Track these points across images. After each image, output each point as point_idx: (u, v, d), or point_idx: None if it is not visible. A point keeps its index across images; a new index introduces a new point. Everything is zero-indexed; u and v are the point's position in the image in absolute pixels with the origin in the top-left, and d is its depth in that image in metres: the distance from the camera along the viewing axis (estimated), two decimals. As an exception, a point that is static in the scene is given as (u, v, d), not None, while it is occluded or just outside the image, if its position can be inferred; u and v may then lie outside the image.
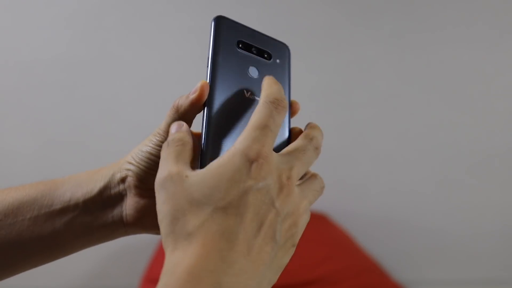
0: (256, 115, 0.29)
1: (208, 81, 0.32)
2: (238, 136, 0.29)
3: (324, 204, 1.25)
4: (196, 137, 0.34)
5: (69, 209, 0.36)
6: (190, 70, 1.24)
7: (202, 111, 0.32)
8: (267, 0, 1.28)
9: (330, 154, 1.26)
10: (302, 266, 0.99)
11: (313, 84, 1.26)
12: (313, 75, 1.26)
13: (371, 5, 1.29)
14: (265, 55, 0.36)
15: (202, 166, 0.30)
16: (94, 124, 1.26)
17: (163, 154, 0.30)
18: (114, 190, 0.36)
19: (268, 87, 0.31)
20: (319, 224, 1.18)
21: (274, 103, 0.30)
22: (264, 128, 0.29)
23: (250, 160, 0.27)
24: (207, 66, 0.33)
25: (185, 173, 0.28)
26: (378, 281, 1.09)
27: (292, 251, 0.30)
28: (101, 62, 1.25)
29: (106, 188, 0.36)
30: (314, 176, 0.33)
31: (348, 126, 1.30)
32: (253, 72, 0.35)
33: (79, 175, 0.38)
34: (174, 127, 0.32)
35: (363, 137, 1.30)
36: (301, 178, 0.32)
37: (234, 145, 0.28)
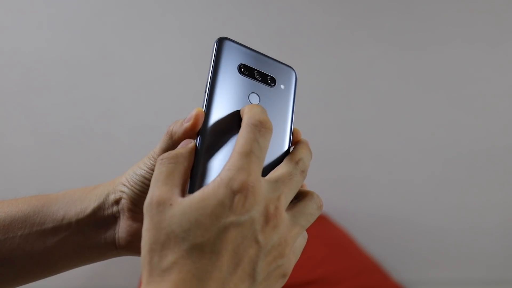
0: (239, 141, 0.28)
1: (203, 109, 0.31)
2: None
3: (324, 204, 1.24)
4: None
5: (61, 228, 0.35)
6: (191, 70, 1.24)
7: (195, 139, 0.31)
8: (267, 0, 1.28)
9: (330, 154, 1.26)
10: (302, 266, 0.99)
11: (313, 84, 1.26)
12: (313, 75, 1.26)
13: (371, 5, 1.29)
14: (269, 80, 0.34)
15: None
16: (94, 124, 1.26)
17: (155, 171, 0.28)
18: (107, 212, 0.36)
19: (249, 109, 0.30)
20: (319, 224, 1.18)
21: (257, 126, 0.29)
22: (249, 155, 0.27)
23: (234, 192, 0.26)
24: (205, 92, 0.32)
25: (170, 200, 0.27)
26: (378, 281, 1.09)
27: (281, 282, 0.29)
28: (101, 62, 1.25)
29: (99, 208, 0.36)
30: (309, 197, 0.31)
31: (348, 126, 1.30)
32: (253, 99, 0.33)
33: (75, 191, 0.37)
34: (180, 144, 0.31)
35: (363, 137, 1.30)
36: (294, 199, 0.30)
37: (219, 175, 0.27)
